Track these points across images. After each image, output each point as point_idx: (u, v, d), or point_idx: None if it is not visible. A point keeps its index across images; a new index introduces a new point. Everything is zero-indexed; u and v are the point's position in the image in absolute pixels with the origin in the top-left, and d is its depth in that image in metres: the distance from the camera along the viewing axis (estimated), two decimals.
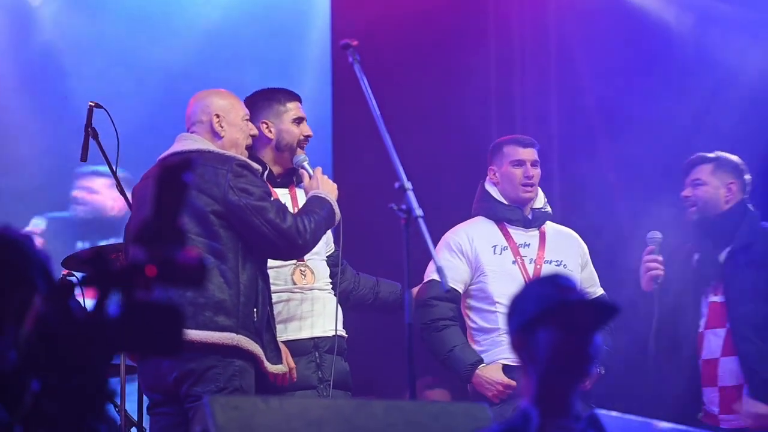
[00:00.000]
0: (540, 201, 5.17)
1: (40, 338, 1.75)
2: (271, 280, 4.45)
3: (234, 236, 4.26)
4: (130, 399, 4.98)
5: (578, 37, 7.02)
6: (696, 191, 5.04)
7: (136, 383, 4.79)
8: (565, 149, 7.03)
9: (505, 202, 5.09)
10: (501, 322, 4.85)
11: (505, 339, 4.73)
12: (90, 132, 4.91)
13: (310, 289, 4.68)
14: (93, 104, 4.95)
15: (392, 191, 4.07)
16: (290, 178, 4.78)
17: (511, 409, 4.67)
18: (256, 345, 4.21)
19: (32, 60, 6.78)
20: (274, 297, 4.48)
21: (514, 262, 5.00)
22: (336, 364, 4.62)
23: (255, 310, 4.23)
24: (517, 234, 5.08)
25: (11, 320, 1.99)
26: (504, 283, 4.85)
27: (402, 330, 3.77)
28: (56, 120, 6.62)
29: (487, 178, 5.18)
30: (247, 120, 4.51)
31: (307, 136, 4.76)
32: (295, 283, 4.66)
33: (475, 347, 5.00)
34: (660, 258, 4.99)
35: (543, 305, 2.71)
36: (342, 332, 4.74)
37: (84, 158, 4.91)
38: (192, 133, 4.47)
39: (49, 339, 1.76)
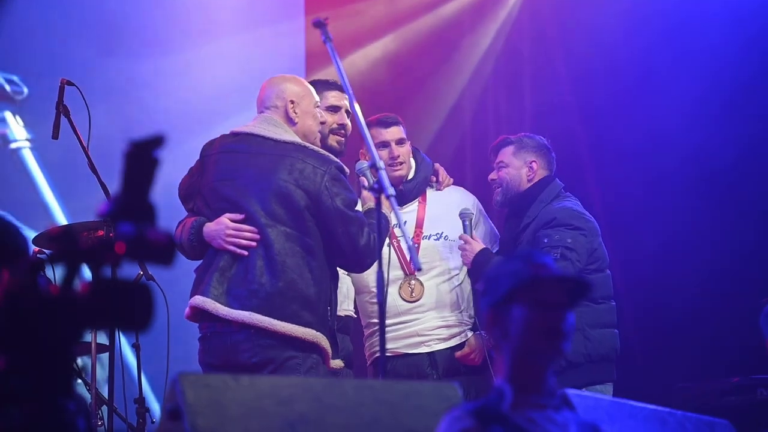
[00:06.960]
0: (411, 173, 5.14)
1: (8, 315, 1.75)
2: None
3: (321, 235, 4.32)
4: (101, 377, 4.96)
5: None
6: (500, 173, 5.20)
7: (107, 361, 4.78)
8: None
9: None
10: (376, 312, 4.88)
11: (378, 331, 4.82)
12: (62, 109, 4.88)
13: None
14: (65, 81, 4.92)
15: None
16: None
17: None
18: (328, 343, 4.30)
19: None
20: None
21: (388, 245, 4.97)
22: (343, 342, 4.73)
23: (329, 308, 4.32)
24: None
25: None
26: (371, 270, 4.68)
27: None
28: None
29: None
30: (317, 107, 4.53)
31: (341, 125, 4.80)
32: None
33: (366, 342, 5.08)
34: (469, 237, 5.01)
35: (516, 282, 2.73)
36: (350, 312, 4.86)
37: (56, 136, 4.88)
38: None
39: (17, 316, 1.75)
